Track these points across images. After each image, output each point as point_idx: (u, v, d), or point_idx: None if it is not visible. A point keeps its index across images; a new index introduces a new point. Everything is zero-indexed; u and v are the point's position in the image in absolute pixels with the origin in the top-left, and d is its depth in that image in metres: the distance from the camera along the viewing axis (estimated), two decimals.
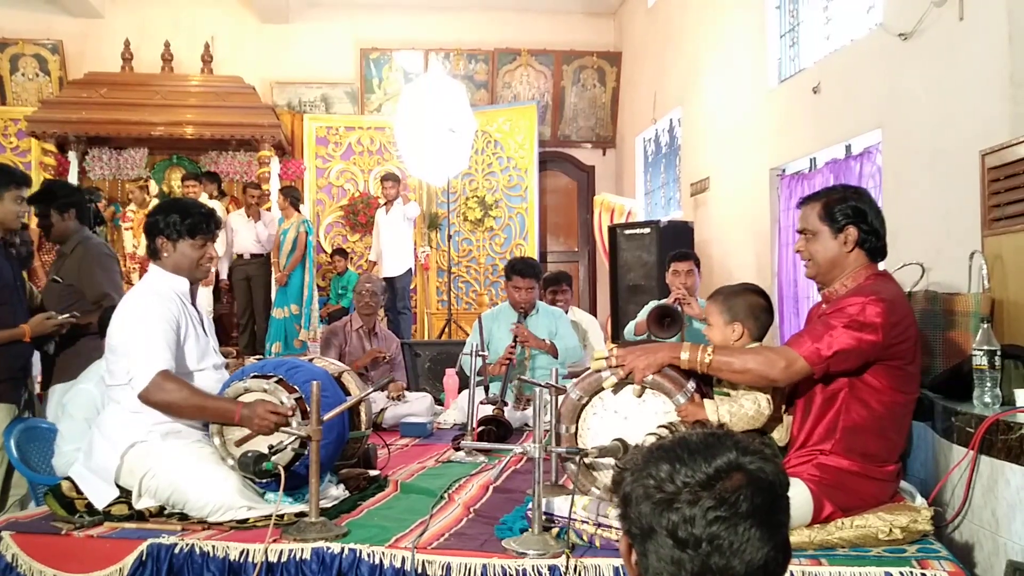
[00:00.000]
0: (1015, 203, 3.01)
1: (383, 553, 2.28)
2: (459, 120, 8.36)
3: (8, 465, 3.43)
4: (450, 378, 5.03)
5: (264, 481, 2.59)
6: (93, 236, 4.15)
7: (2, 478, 3.48)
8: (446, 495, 2.88)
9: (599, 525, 2.32)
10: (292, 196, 8.33)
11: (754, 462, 1.07)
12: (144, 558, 2.33)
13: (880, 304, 2.31)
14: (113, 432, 2.68)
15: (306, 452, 2.52)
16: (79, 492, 2.64)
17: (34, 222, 3.99)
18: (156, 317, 2.68)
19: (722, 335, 2.67)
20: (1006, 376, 2.66)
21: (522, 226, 10.12)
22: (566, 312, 5.37)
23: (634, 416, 2.48)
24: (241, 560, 2.30)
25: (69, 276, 3.84)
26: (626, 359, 2.43)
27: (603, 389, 2.50)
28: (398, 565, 2.25)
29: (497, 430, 4.01)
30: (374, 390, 3.11)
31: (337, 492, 2.81)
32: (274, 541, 2.33)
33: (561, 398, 2.57)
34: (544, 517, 2.34)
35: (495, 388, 4.41)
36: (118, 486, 2.62)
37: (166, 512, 2.60)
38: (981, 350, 2.62)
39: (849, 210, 2.46)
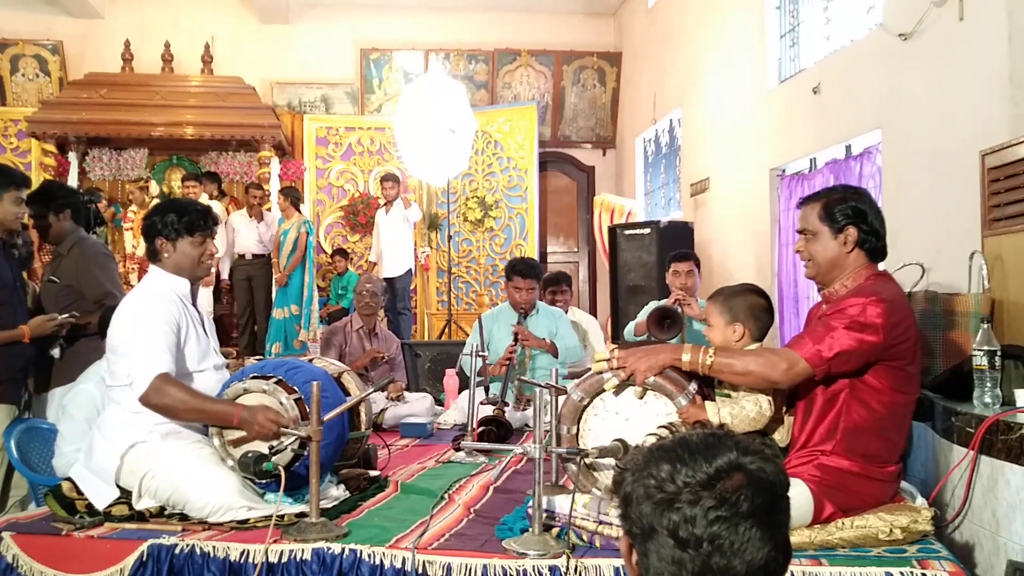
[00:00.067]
0: (1015, 203, 3.01)
1: (384, 553, 2.28)
2: (459, 120, 8.36)
3: (8, 466, 3.43)
4: (450, 378, 5.03)
5: (264, 481, 2.59)
6: (89, 236, 4.15)
7: (2, 479, 3.48)
8: (446, 495, 2.88)
9: (600, 522, 2.32)
10: (293, 196, 8.33)
11: (754, 462, 1.08)
12: (144, 559, 2.33)
13: (881, 305, 2.31)
14: (113, 433, 2.68)
15: (306, 452, 2.52)
16: (79, 493, 2.64)
17: (30, 223, 3.97)
18: (156, 319, 2.67)
19: (723, 336, 2.67)
20: (1006, 376, 2.66)
21: (522, 226, 10.12)
22: (565, 312, 5.37)
23: (635, 418, 2.48)
24: (241, 561, 2.30)
25: (66, 276, 3.84)
26: (627, 361, 2.43)
27: (604, 391, 2.50)
28: (399, 565, 2.25)
29: (497, 430, 4.01)
30: (374, 390, 3.11)
31: (337, 492, 2.81)
32: (274, 541, 2.33)
33: (562, 399, 2.57)
34: (545, 515, 2.34)
35: (495, 388, 4.40)
36: (118, 487, 2.62)
37: (166, 513, 2.60)
38: (981, 350, 2.62)
39: (849, 210, 2.46)
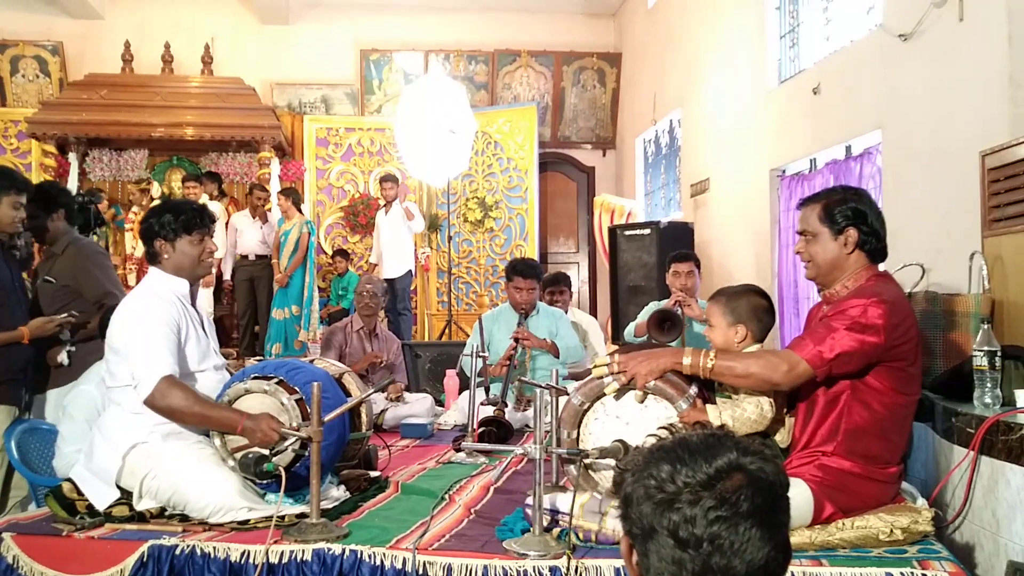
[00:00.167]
0: (1015, 204, 3.01)
1: (384, 554, 2.28)
2: (459, 121, 8.36)
3: (8, 466, 3.43)
4: (450, 379, 5.03)
5: (265, 482, 2.59)
6: (82, 237, 4.14)
7: (2, 480, 3.48)
8: (447, 496, 2.88)
9: (601, 527, 2.32)
10: (294, 197, 8.33)
11: (754, 462, 1.08)
12: (145, 559, 2.33)
13: (882, 306, 2.31)
14: (114, 433, 2.68)
15: (307, 453, 2.52)
16: (80, 493, 2.64)
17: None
18: (157, 320, 2.67)
19: (724, 337, 2.67)
20: (1006, 377, 2.66)
21: (522, 227, 10.13)
22: (565, 313, 5.37)
23: (636, 421, 2.48)
24: (242, 561, 2.30)
25: (63, 276, 3.83)
26: (628, 365, 2.43)
27: (605, 395, 2.50)
28: (399, 566, 2.25)
29: (498, 431, 4.01)
30: (375, 391, 3.11)
31: (338, 493, 2.81)
32: (275, 542, 2.33)
33: (563, 403, 2.57)
34: (547, 516, 2.34)
35: (495, 389, 4.40)
36: (119, 487, 2.62)
37: (167, 513, 2.60)
38: (981, 351, 2.62)
39: (849, 211, 2.46)
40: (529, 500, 2.46)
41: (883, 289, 2.40)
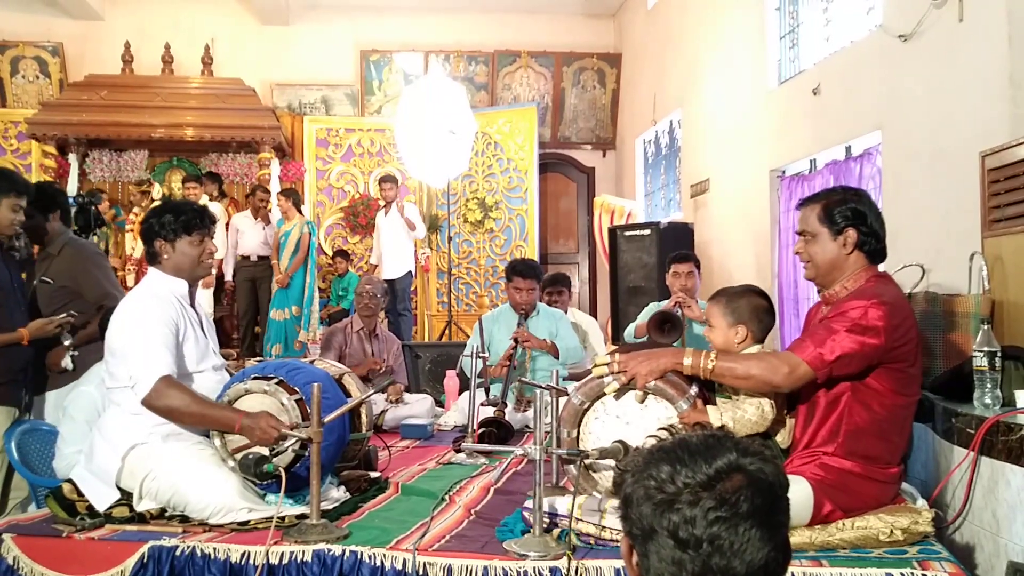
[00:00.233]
0: (1015, 204, 3.01)
1: (384, 555, 2.28)
2: (459, 122, 8.36)
3: (8, 467, 3.43)
4: (450, 380, 5.03)
5: (265, 483, 2.59)
6: (78, 237, 4.13)
7: (2, 480, 3.48)
8: (447, 497, 2.88)
9: (602, 528, 2.31)
10: (294, 198, 8.34)
11: (754, 463, 1.08)
12: (145, 560, 2.33)
13: (882, 307, 2.31)
14: (114, 434, 2.68)
15: (307, 454, 2.52)
16: (80, 494, 2.64)
17: None
18: (156, 321, 2.67)
19: (725, 337, 2.67)
20: (1006, 377, 2.66)
21: (522, 228, 10.13)
22: (564, 313, 5.37)
23: (636, 421, 2.48)
24: (242, 562, 2.30)
25: (60, 277, 3.82)
26: (628, 365, 2.43)
27: (605, 395, 2.50)
28: (399, 567, 2.25)
29: (498, 432, 4.01)
30: (375, 392, 3.12)
31: (338, 494, 2.81)
32: (275, 543, 2.33)
33: (563, 402, 2.57)
34: (545, 518, 2.34)
35: (496, 390, 4.40)
36: (119, 488, 2.62)
37: (167, 514, 2.60)
38: (981, 351, 2.62)
39: (849, 212, 2.46)
40: (527, 503, 2.46)
41: (883, 290, 2.40)
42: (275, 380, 2.70)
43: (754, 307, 2.68)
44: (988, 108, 3.64)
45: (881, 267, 2.61)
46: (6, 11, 10.05)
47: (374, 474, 3.18)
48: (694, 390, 2.44)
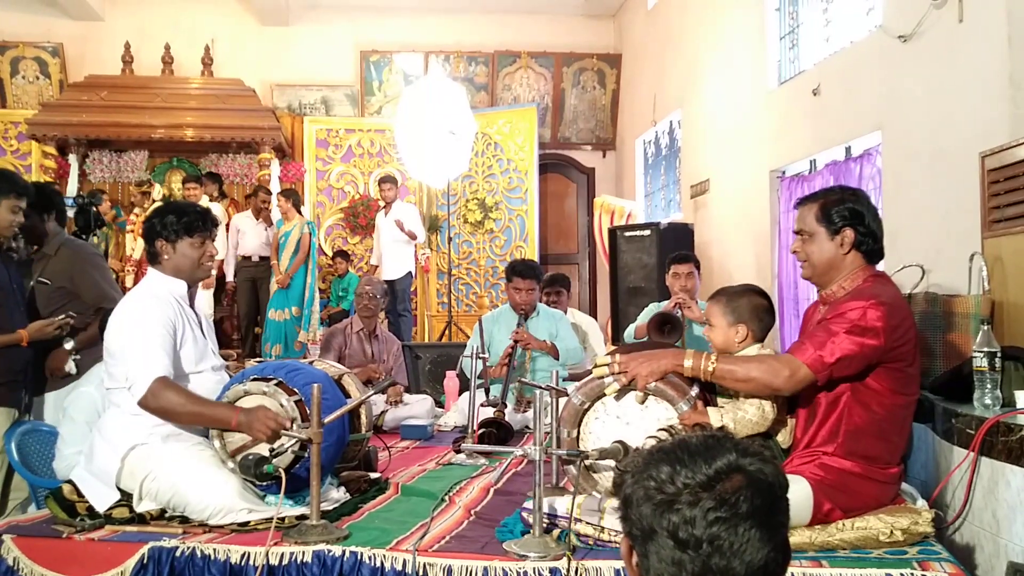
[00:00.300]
0: (1015, 205, 3.01)
1: (384, 556, 2.28)
2: (459, 122, 8.36)
3: (8, 468, 3.43)
4: (450, 380, 5.03)
5: (265, 484, 2.59)
6: (74, 238, 4.13)
7: (2, 481, 3.47)
8: (447, 497, 2.88)
9: (601, 529, 2.31)
10: (294, 198, 8.34)
11: (753, 463, 1.08)
12: (145, 561, 2.33)
13: (881, 308, 2.31)
14: (113, 435, 2.68)
15: (307, 455, 2.52)
16: (80, 495, 2.64)
17: None
18: (154, 321, 2.68)
19: (725, 337, 2.67)
20: (1006, 378, 2.66)
21: (522, 228, 10.12)
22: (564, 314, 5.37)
23: (636, 422, 2.48)
24: (242, 563, 2.30)
25: (58, 278, 3.81)
26: (629, 366, 2.43)
27: (605, 395, 2.50)
28: (399, 568, 2.25)
29: (498, 432, 4.01)
30: (375, 393, 3.11)
31: (338, 495, 2.81)
32: (275, 544, 2.33)
33: (563, 402, 2.57)
34: (545, 519, 2.34)
35: (496, 390, 4.40)
36: (119, 489, 2.62)
37: (167, 515, 2.60)
38: (981, 352, 2.62)
39: (846, 212, 2.46)
40: (526, 504, 2.46)
41: (881, 291, 2.40)
42: (274, 381, 2.70)
43: (754, 306, 2.68)
44: (988, 108, 3.64)
45: (880, 267, 2.61)
46: (6, 12, 10.05)
47: (374, 475, 3.18)
48: (695, 391, 2.44)
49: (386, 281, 7.71)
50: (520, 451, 2.41)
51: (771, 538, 1.05)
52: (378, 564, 2.27)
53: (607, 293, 8.18)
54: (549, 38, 10.85)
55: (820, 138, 5.41)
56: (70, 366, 3.63)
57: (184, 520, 2.55)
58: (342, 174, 10.06)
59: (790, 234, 5.63)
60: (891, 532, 2.26)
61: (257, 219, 8.57)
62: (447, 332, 8.71)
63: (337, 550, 2.30)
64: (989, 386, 2.61)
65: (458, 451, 3.67)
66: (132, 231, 8.67)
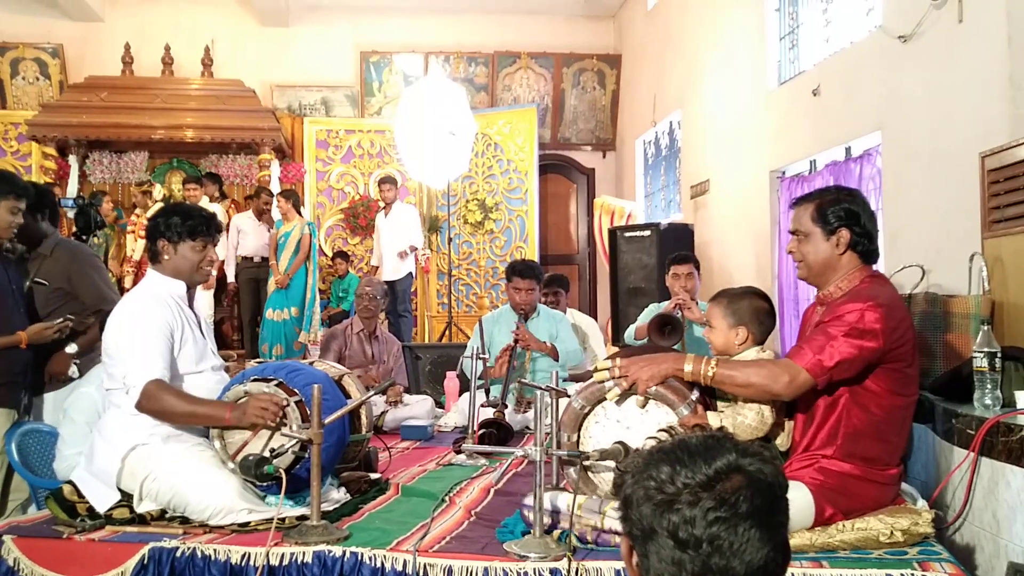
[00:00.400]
0: (1015, 205, 3.01)
1: (384, 556, 2.28)
2: (459, 123, 8.36)
3: (9, 469, 3.43)
4: (451, 381, 5.03)
5: (265, 484, 2.59)
6: (67, 239, 4.12)
7: (2, 482, 3.47)
8: (447, 498, 2.88)
9: (601, 531, 2.31)
10: (294, 199, 8.34)
11: (753, 463, 1.08)
12: (146, 562, 2.33)
13: (878, 310, 2.31)
14: (114, 435, 2.68)
15: (307, 455, 2.52)
16: (80, 496, 2.65)
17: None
18: (151, 323, 2.68)
19: (725, 339, 2.67)
20: (1006, 378, 2.67)
21: (522, 229, 10.12)
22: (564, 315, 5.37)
23: (637, 426, 2.48)
24: (243, 564, 2.31)
25: (56, 279, 3.80)
26: (629, 370, 2.43)
27: (606, 399, 2.50)
28: (399, 568, 2.25)
29: (498, 433, 4.00)
30: (375, 393, 3.11)
31: (338, 495, 2.81)
32: (275, 544, 2.33)
33: (563, 405, 2.57)
34: (547, 517, 2.34)
35: (496, 391, 4.41)
36: (119, 490, 2.63)
37: (167, 516, 2.60)
38: (981, 352, 2.62)
39: (842, 212, 2.46)
40: (526, 501, 2.46)
41: (878, 291, 2.40)
42: (275, 382, 2.70)
43: (755, 309, 2.68)
44: (988, 108, 3.64)
45: (881, 268, 2.60)
46: (6, 13, 10.05)
47: (374, 475, 3.18)
48: (695, 395, 2.44)
49: (386, 282, 7.70)
50: (520, 452, 2.41)
51: (771, 538, 1.05)
52: (378, 565, 2.27)
53: (607, 294, 8.18)
54: (549, 39, 10.85)
55: (820, 138, 5.42)
56: (73, 370, 3.64)
57: (184, 521, 2.56)
58: (342, 175, 10.06)
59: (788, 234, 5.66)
60: (891, 533, 2.26)
61: (259, 220, 8.56)
62: (447, 333, 8.71)
63: (337, 551, 2.30)
64: (989, 386, 2.62)
65: (458, 452, 3.67)
66: (132, 231, 8.66)
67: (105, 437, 2.70)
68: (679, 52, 8.34)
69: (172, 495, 2.56)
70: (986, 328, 2.66)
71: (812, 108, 5.44)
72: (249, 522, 2.50)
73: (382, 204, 8.77)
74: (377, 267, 8.66)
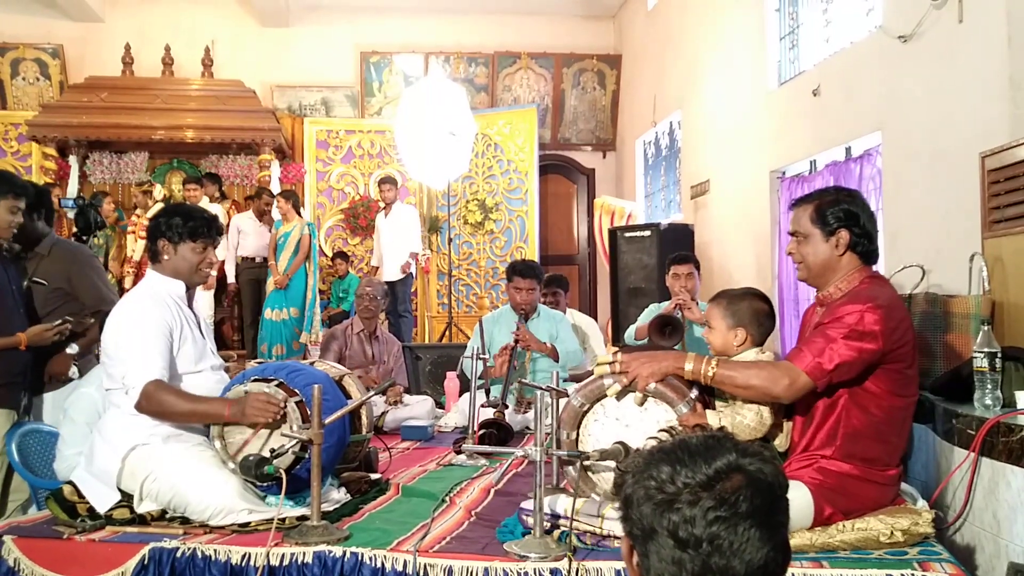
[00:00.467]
0: (1015, 205, 3.01)
1: (385, 556, 2.28)
2: (459, 123, 8.37)
3: (9, 469, 3.43)
4: (451, 381, 5.03)
5: (265, 484, 2.59)
6: (65, 239, 4.11)
7: (2, 482, 3.47)
8: (447, 498, 2.88)
9: (601, 538, 2.31)
10: (294, 199, 8.34)
11: (753, 463, 1.08)
12: (146, 562, 2.33)
13: (878, 311, 2.30)
14: (114, 436, 2.68)
15: (307, 456, 2.52)
16: (81, 496, 2.65)
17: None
18: (150, 324, 2.68)
19: (724, 340, 2.66)
20: (1007, 378, 2.67)
21: (522, 229, 10.12)
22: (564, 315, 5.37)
23: (636, 424, 2.48)
24: (243, 564, 2.31)
25: (54, 279, 3.79)
26: (630, 367, 2.43)
27: (605, 396, 2.50)
28: (400, 568, 2.25)
29: (498, 433, 4.00)
30: (375, 394, 3.11)
31: (338, 495, 2.81)
32: (276, 545, 2.33)
33: (563, 404, 2.57)
34: (545, 520, 2.34)
35: (496, 391, 4.41)
36: (120, 490, 2.63)
37: (168, 516, 2.60)
38: (982, 352, 2.62)
39: (841, 213, 2.45)
40: (524, 504, 2.46)
41: (878, 293, 2.39)
42: (275, 382, 2.70)
43: (755, 310, 2.67)
44: (988, 109, 3.64)
45: (881, 268, 2.60)
46: (6, 13, 10.05)
47: (375, 476, 3.18)
48: (694, 393, 2.44)
49: (386, 282, 7.70)
50: (521, 452, 2.41)
51: (771, 538, 1.05)
52: (379, 565, 2.27)
53: (607, 294, 8.18)
54: (549, 39, 10.85)
55: (820, 138, 5.42)
56: (73, 371, 3.64)
57: (185, 521, 2.56)
58: (342, 175, 10.06)
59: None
60: (891, 533, 2.26)
61: (260, 221, 8.56)
62: (447, 333, 8.71)
63: (338, 551, 2.30)
64: (989, 387, 2.62)
65: (458, 452, 3.67)
66: (133, 232, 8.67)
67: (105, 437, 2.70)
68: (679, 52, 8.34)
69: (172, 495, 2.56)
70: (986, 328, 2.66)
71: (812, 108, 5.44)
72: (249, 522, 2.50)
73: (382, 204, 8.78)
74: (377, 267, 8.66)
